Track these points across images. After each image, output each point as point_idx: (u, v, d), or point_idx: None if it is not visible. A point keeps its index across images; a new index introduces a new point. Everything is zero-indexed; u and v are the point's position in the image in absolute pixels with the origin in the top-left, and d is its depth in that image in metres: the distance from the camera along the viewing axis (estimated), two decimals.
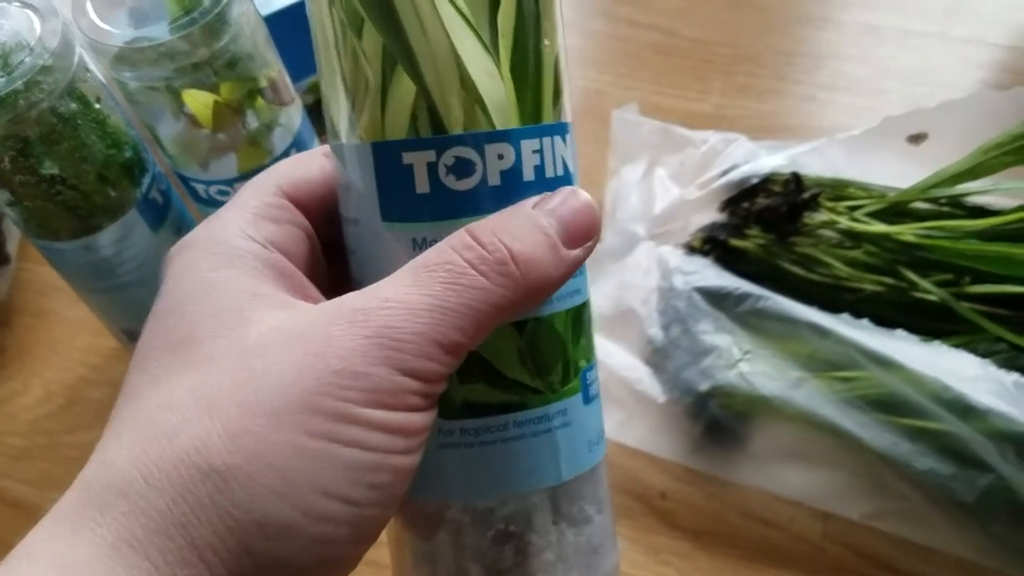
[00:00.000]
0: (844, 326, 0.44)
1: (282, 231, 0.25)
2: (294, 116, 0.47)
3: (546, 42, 0.24)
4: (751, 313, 0.46)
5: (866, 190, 0.49)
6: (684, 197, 0.53)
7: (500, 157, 0.23)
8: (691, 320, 0.47)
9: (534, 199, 0.24)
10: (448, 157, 0.23)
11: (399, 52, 0.23)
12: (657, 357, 0.48)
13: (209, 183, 0.46)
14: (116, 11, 0.41)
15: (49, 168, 0.40)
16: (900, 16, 0.66)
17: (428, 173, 0.23)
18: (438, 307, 0.21)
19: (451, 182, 0.23)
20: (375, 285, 0.22)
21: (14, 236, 0.59)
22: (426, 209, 0.23)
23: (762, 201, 0.50)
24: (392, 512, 0.22)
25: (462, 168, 0.23)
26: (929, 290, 0.45)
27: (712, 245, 0.50)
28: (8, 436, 0.53)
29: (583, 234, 0.24)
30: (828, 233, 0.48)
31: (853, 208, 0.48)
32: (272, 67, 0.45)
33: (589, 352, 0.27)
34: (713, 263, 0.49)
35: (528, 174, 0.24)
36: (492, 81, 0.23)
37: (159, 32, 0.40)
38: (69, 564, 0.19)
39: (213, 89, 0.42)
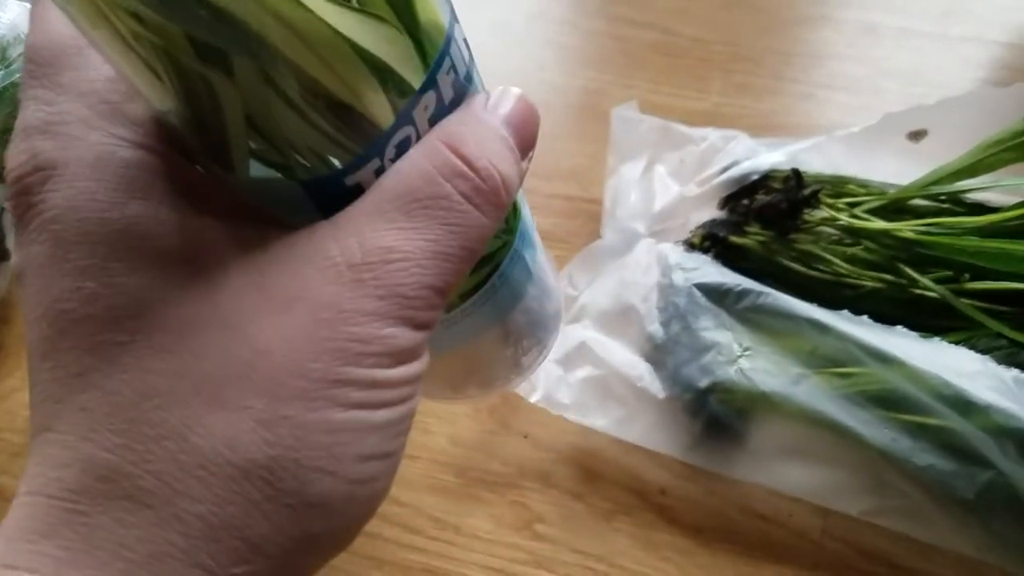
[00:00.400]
0: (844, 322, 0.44)
1: (146, 112, 0.20)
2: None
3: None
4: (751, 309, 0.46)
5: (866, 187, 0.49)
6: (684, 194, 0.53)
7: (426, 108, 0.21)
8: (691, 317, 0.47)
9: (479, 103, 0.22)
10: (390, 151, 0.20)
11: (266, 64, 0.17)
12: (657, 354, 0.47)
13: None
14: None
15: None
16: (898, 15, 0.66)
17: (376, 175, 0.20)
18: (441, 254, 0.20)
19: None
20: (358, 222, 0.20)
21: (13, 232, 0.59)
22: None
23: (762, 198, 0.50)
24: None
25: (403, 147, 0.21)
26: (929, 287, 0.45)
27: (712, 242, 0.50)
28: (7, 433, 0.53)
29: (532, 143, 0.23)
30: (828, 230, 0.48)
31: (853, 205, 0.48)
32: None
33: None
34: (713, 260, 0.49)
35: (447, 95, 0.21)
36: (391, 45, 0.19)
37: None
38: None
39: None
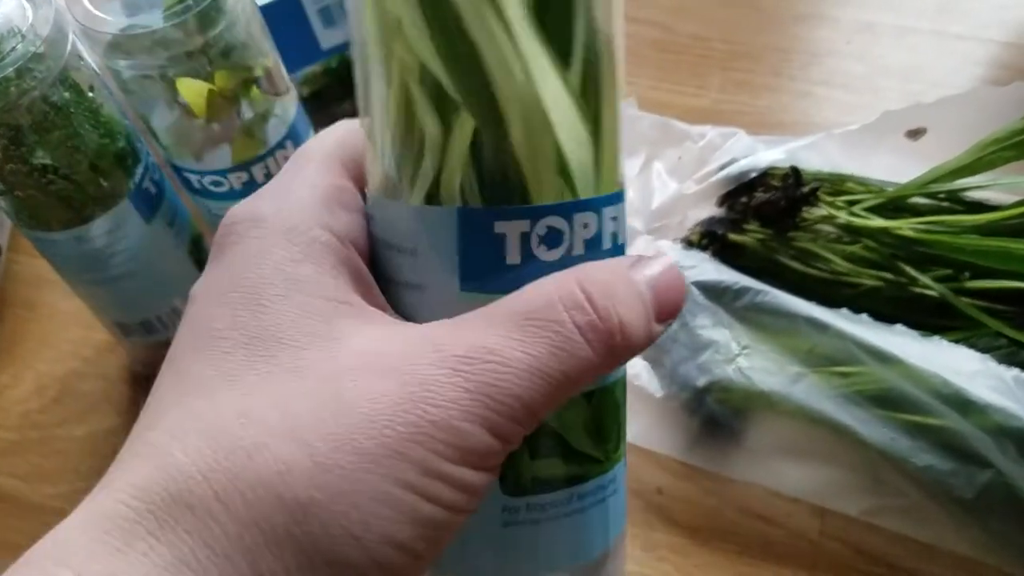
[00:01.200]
0: (843, 321, 0.44)
1: (352, 221, 0.24)
2: (289, 107, 0.47)
3: (620, 92, 0.23)
4: (749, 308, 0.46)
5: (865, 185, 0.49)
6: (682, 191, 0.52)
7: (585, 226, 0.22)
8: (689, 315, 0.46)
9: (629, 260, 0.23)
10: (541, 227, 0.22)
11: (481, 111, 0.21)
12: (655, 352, 0.47)
13: (203, 173, 0.46)
14: None
15: (41, 157, 0.39)
16: (896, 13, 0.66)
17: (520, 243, 0.22)
18: (539, 372, 0.20)
19: (542, 252, 0.22)
20: (473, 325, 0.21)
21: (5, 227, 0.59)
22: (513, 279, 0.22)
23: (760, 196, 0.50)
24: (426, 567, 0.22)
25: (553, 238, 0.22)
26: (928, 285, 0.45)
27: (710, 239, 0.50)
28: (1, 430, 0.52)
29: (673, 311, 0.23)
30: (827, 228, 0.48)
31: (852, 203, 0.48)
32: (267, 56, 0.44)
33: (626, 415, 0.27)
34: (711, 258, 0.49)
35: (607, 243, 0.23)
36: (581, 147, 0.22)
37: (154, 20, 0.39)
38: None
39: (207, 78, 0.42)
